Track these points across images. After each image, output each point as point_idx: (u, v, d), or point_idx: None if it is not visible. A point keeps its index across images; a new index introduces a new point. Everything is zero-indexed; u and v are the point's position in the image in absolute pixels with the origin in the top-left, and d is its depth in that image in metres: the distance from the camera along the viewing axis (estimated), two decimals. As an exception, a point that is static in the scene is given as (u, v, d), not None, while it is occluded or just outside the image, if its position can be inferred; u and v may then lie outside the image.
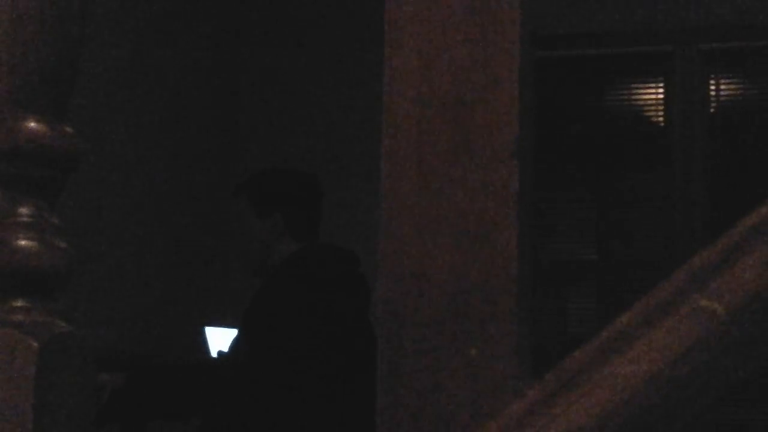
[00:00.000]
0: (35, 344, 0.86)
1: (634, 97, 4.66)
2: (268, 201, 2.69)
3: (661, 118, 4.54)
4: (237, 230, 2.78)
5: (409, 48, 0.86)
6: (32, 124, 0.92)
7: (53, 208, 0.95)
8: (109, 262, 3.71)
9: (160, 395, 2.59)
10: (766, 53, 4.40)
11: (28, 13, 0.92)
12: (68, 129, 0.95)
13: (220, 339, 3.85)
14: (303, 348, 2.48)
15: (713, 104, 4.49)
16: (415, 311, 0.83)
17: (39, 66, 0.93)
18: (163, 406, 2.63)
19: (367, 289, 2.66)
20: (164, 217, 4.15)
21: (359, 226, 4.09)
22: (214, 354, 3.88)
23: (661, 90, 4.54)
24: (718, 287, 0.68)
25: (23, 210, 0.92)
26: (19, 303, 0.90)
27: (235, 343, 2.59)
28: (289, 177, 2.79)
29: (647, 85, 4.62)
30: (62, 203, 0.98)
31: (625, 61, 4.60)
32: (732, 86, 4.58)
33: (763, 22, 4.33)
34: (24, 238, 0.91)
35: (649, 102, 4.60)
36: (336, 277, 2.62)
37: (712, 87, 4.49)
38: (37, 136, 0.92)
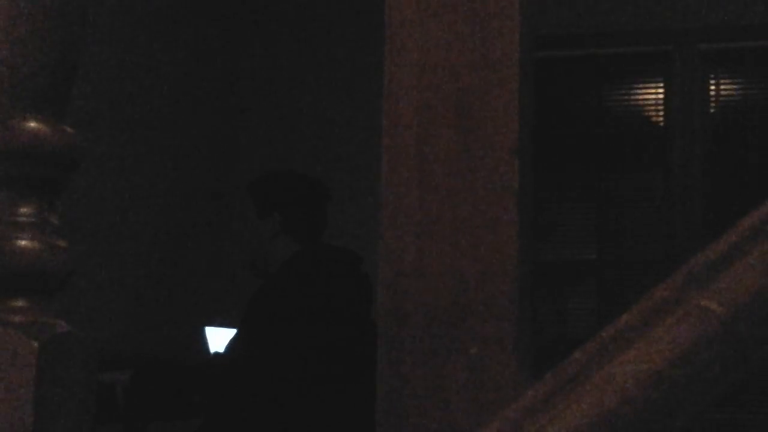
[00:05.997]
0: (35, 344, 0.86)
1: (634, 97, 4.66)
2: (268, 201, 2.70)
3: (661, 118, 4.54)
4: (239, 230, 2.80)
5: (409, 48, 0.86)
6: (32, 124, 0.92)
7: (53, 208, 0.95)
8: (109, 262, 3.71)
9: (164, 394, 2.59)
10: (766, 53, 4.40)
11: (27, 13, 0.92)
12: (68, 129, 0.95)
13: (220, 339, 3.85)
14: (302, 347, 2.48)
15: (713, 104, 4.49)
16: (415, 311, 0.83)
17: (39, 66, 0.93)
18: (166, 405, 2.63)
19: (370, 288, 2.66)
20: (164, 218, 4.15)
21: (359, 226, 4.09)
22: (214, 351, 3.89)
23: (661, 90, 4.54)
24: (718, 287, 0.68)
25: (23, 210, 0.92)
26: (19, 303, 0.90)
27: (234, 342, 2.59)
28: (292, 179, 2.80)
29: (647, 85, 4.62)
30: (62, 203, 0.98)
31: (625, 61, 4.60)
32: (732, 86, 4.58)
33: (763, 22, 4.33)
34: (24, 238, 0.91)
35: (649, 102, 4.60)
36: (337, 277, 2.62)
37: (712, 87, 4.49)
38: (37, 136, 0.92)
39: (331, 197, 2.79)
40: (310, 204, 2.74)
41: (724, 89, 4.56)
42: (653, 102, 4.58)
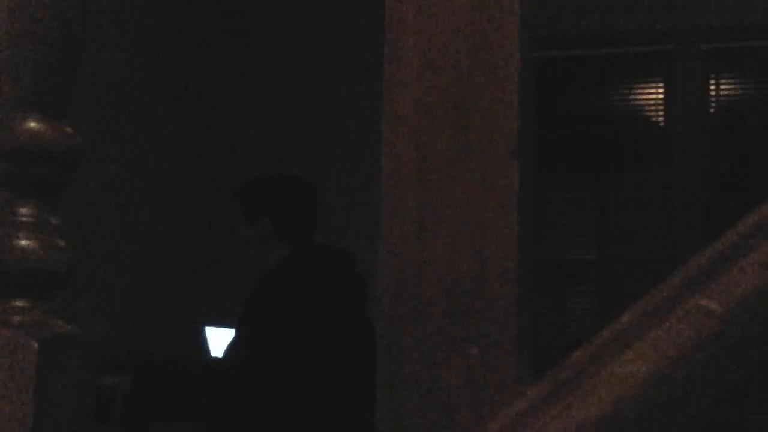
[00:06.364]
0: (35, 344, 0.86)
1: (634, 97, 4.66)
2: (256, 206, 2.70)
3: (661, 118, 4.54)
4: (232, 235, 2.81)
5: (409, 48, 0.86)
6: (32, 124, 0.92)
7: (53, 208, 0.95)
8: (109, 262, 3.71)
9: (165, 396, 2.59)
10: (766, 53, 4.40)
11: (27, 12, 0.92)
12: (68, 129, 0.95)
13: (220, 339, 3.85)
14: (299, 348, 2.48)
15: (713, 104, 4.49)
16: (415, 310, 0.83)
17: (39, 66, 0.93)
18: (167, 407, 2.63)
19: (365, 287, 2.66)
20: (164, 217, 4.15)
21: (359, 226, 4.09)
22: (214, 354, 3.89)
23: (661, 90, 4.54)
24: (718, 287, 0.68)
25: (23, 210, 0.92)
26: (19, 303, 0.90)
27: (231, 345, 2.59)
28: (279, 182, 2.78)
29: (647, 85, 4.62)
30: (62, 203, 0.98)
31: (625, 61, 4.60)
32: (732, 86, 4.58)
33: (763, 22, 4.33)
34: (24, 238, 0.91)
35: (649, 102, 4.60)
36: (331, 276, 2.62)
37: (712, 87, 4.49)
38: (37, 136, 0.92)
39: (319, 199, 2.78)
40: (300, 207, 2.73)
41: (724, 89, 4.56)
42: (653, 102, 4.58)
